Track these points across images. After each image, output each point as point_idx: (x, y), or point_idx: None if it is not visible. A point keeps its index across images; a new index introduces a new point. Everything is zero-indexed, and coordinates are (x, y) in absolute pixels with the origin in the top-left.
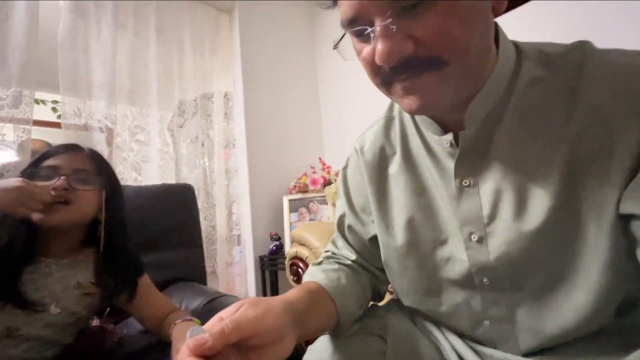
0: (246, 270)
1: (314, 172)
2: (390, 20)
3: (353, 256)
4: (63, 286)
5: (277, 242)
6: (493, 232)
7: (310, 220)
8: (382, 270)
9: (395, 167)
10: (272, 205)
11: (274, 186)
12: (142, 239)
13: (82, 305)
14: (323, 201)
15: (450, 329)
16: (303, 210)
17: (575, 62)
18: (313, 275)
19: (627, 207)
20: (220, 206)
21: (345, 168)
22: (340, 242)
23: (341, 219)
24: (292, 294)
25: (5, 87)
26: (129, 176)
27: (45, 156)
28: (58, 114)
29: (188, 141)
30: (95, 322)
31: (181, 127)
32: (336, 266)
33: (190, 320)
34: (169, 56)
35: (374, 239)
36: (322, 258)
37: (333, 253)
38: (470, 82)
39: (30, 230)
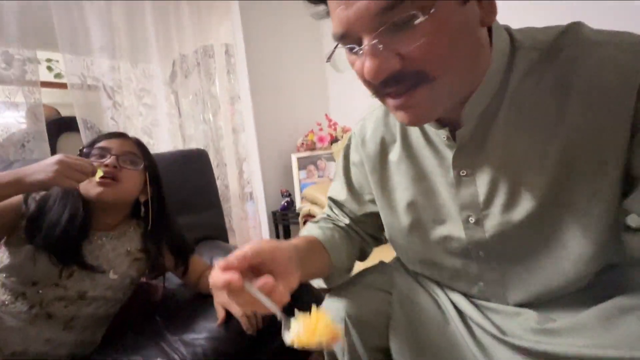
0: (260, 225)
1: (321, 129)
2: (376, 40)
3: (347, 220)
4: (116, 254)
5: (288, 199)
6: (489, 215)
7: (318, 177)
8: (372, 237)
9: (395, 155)
10: (281, 163)
11: (281, 144)
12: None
13: (133, 270)
14: (331, 158)
15: (449, 288)
16: (311, 167)
17: (568, 54)
18: (310, 231)
19: (629, 205)
20: (231, 165)
21: (347, 147)
22: (337, 210)
23: (338, 195)
24: (294, 241)
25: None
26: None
27: (98, 139)
28: (54, 72)
29: (190, 98)
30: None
31: (182, 82)
32: (331, 225)
33: None
34: (164, 8)
35: (369, 214)
36: (319, 218)
37: (329, 216)
38: (461, 89)
39: (85, 207)
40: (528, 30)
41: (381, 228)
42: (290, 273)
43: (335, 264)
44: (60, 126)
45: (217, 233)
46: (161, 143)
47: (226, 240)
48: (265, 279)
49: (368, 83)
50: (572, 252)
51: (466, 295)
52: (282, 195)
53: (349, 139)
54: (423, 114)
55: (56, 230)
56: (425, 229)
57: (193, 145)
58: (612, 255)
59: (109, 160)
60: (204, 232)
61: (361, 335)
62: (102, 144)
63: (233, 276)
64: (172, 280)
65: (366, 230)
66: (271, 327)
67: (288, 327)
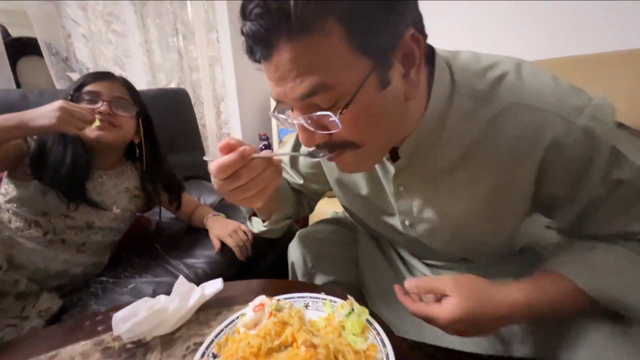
0: None
1: None
2: (303, 118)
3: (301, 181)
4: (116, 191)
5: (266, 142)
6: (420, 222)
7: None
8: (314, 201)
9: None
10: (259, 105)
11: (261, 86)
12: None
13: (132, 205)
14: None
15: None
16: (290, 113)
17: (499, 107)
18: None
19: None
20: (209, 104)
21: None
22: (290, 171)
23: (294, 162)
24: None
25: None
26: (112, 71)
27: (85, 82)
28: None
29: (157, 21)
30: None
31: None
32: (287, 184)
33: (218, 215)
34: None
35: (315, 191)
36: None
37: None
38: (389, 145)
39: (86, 149)
40: (467, 72)
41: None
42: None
43: (279, 208)
44: (16, 48)
45: (200, 173)
46: (134, 76)
47: (208, 180)
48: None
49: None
50: (497, 244)
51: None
52: (260, 139)
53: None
54: (354, 168)
55: (62, 171)
56: (376, 216)
57: (161, 77)
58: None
59: (102, 107)
60: (187, 172)
61: (330, 272)
62: (90, 87)
63: (247, 148)
64: (165, 214)
65: (317, 191)
66: (259, 255)
67: None
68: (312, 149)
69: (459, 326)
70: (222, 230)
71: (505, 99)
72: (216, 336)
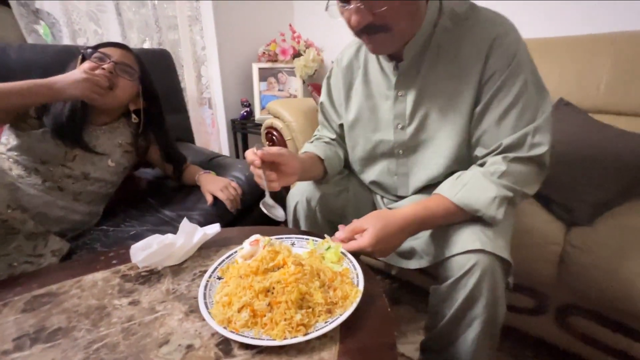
0: (219, 131)
1: (284, 40)
2: (360, 3)
3: (333, 135)
4: (110, 144)
5: (248, 109)
6: (411, 123)
7: (279, 90)
8: None
9: (358, 80)
10: (241, 71)
11: (242, 52)
12: None
13: (125, 159)
14: (292, 73)
15: (377, 190)
16: (272, 80)
17: (468, 24)
18: (309, 149)
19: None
20: (189, 67)
21: (329, 77)
22: (323, 130)
23: (322, 106)
24: (303, 155)
25: None
26: (87, 27)
27: (102, 45)
28: None
29: None
30: None
31: None
32: (323, 144)
33: (209, 172)
34: None
35: (342, 125)
36: (313, 139)
37: (319, 136)
38: (405, 37)
39: (79, 102)
40: (449, 2)
41: None
42: (291, 176)
43: (330, 171)
44: None
45: (184, 135)
46: (111, 34)
47: (193, 142)
48: (271, 174)
49: (351, 27)
50: (443, 149)
51: (384, 197)
52: (242, 105)
53: (331, 69)
54: (383, 48)
55: (62, 117)
56: (367, 135)
57: (133, 34)
58: (459, 165)
59: (107, 65)
60: (172, 134)
61: (321, 209)
62: (104, 49)
63: (256, 159)
64: (150, 173)
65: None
66: (246, 210)
67: (267, 203)
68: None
69: (379, 246)
70: (213, 185)
71: (475, 17)
72: (220, 264)
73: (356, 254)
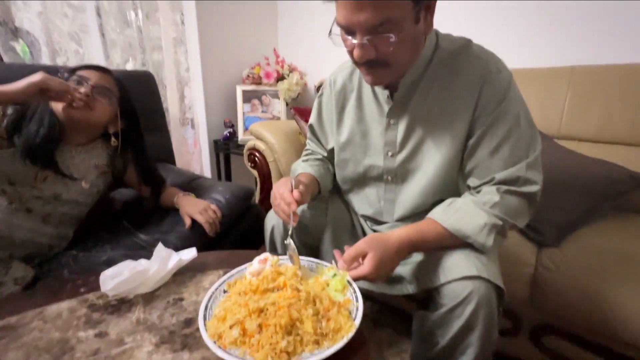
0: (201, 151)
1: (268, 64)
2: (366, 39)
3: (325, 153)
4: (85, 166)
5: (231, 129)
6: (401, 151)
7: (262, 112)
8: None
9: (351, 103)
10: (225, 93)
11: (227, 74)
12: None
13: (100, 181)
14: (275, 95)
15: (361, 214)
16: (256, 101)
17: (462, 60)
18: (305, 169)
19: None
20: (172, 88)
21: (321, 95)
22: (313, 145)
23: (312, 127)
24: (306, 179)
25: None
26: (68, 47)
27: (81, 67)
28: None
29: None
30: None
31: None
32: (317, 162)
33: (188, 194)
34: None
35: (333, 149)
36: (306, 156)
37: (312, 151)
38: (404, 70)
39: (59, 123)
40: (446, 37)
41: None
42: (304, 202)
43: (323, 190)
44: None
45: (165, 156)
46: (93, 53)
47: (173, 163)
48: (296, 216)
49: (352, 58)
50: (431, 179)
51: (368, 219)
52: (225, 125)
53: (323, 88)
54: (380, 80)
55: (37, 137)
56: (357, 158)
57: (116, 53)
58: (444, 195)
59: (84, 89)
60: (152, 154)
61: (298, 233)
62: (83, 72)
63: (294, 204)
64: (127, 193)
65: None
66: (224, 233)
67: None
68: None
69: (380, 272)
70: (192, 208)
71: (467, 53)
72: (228, 278)
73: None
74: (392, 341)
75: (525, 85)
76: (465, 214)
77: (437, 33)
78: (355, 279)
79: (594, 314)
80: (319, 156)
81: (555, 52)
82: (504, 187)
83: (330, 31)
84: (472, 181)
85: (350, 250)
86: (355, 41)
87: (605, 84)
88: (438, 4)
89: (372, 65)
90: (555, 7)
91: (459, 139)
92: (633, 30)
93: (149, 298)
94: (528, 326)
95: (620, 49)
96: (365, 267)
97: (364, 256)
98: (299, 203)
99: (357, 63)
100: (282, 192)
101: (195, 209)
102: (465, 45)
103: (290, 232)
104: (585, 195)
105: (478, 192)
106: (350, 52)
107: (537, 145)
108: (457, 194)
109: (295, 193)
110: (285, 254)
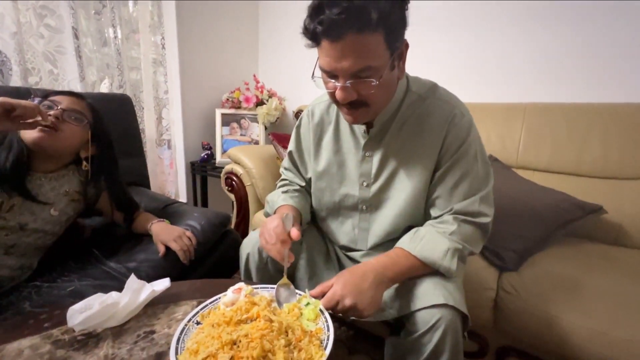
0: (177, 173)
1: (247, 89)
2: (348, 82)
3: (303, 183)
4: (55, 194)
5: (209, 151)
6: (376, 182)
7: (241, 135)
8: None
9: (328, 136)
10: (204, 114)
11: (206, 98)
12: None
13: (70, 209)
14: (254, 120)
15: (335, 241)
16: (234, 125)
17: (428, 103)
18: (287, 201)
19: (431, 196)
20: (149, 109)
21: (298, 126)
22: (291, 174)
23: (291, 155)
24: (292, 213)
25: None
26: (42, 67)
27: (53, 93)
28: None
29: (92, 12)
30: None
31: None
32: (296, 193)
33: (163, 221)
34: None
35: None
36: (285, 186)
37: (290, 181)
38: (381, 110)
39: (27, 150)
40: (415, 80)
41: None
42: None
43: (303, 223)
44: None
45: (139, 180)
46: (68, 72)
47: (148, 187)
48: (290, 255)
49: (333, 98)
50: (402, 207)
51: (343, 247)
52: (203, 148)
53: (301, 119)
54: (359, 120)
55: (5, 164)
56: (333, 188)
57: (91, 72)
58: (413, 222)
59: (53, 112)
60: (127, 178)
61: (273, 260)
62: (54, 97)
63: (288, 243)
64: (97, 220)
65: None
66: (198, 260)
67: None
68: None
69: (347, 289)
70: (167, 235)
71: (435, 97)
72: (201, 309)
73: (342, 313)
74: None
75: (486, 118)
76: (429, 241)
77: (407, 77)
78: (328, 306)
79: (549, 338)
80: (297, 187)
81: (512, 89)
82: (461, 217)
83: (312, 74)
84: (434, 211)
85: (321, 285)
86: (338, 84)
87: (555, 120)
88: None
89: (353, 105)
90: (512, 48)
91: (427, 172)
92: (581, 71)
93: (118, 332)
94: (493, 348)
95: (569, 89)
96: (333, 287)
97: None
98: (293, 241)
99: (337, 103)
100: (277, 231)
101: (170, 237)
102: (432, 89)
103: (285, 273)
104: (539, 223)
105: (439, 221)
106: (332, 94)
107: (490, 181)
108: (424, 220)
109: (294, 232)
110: (260, 282)
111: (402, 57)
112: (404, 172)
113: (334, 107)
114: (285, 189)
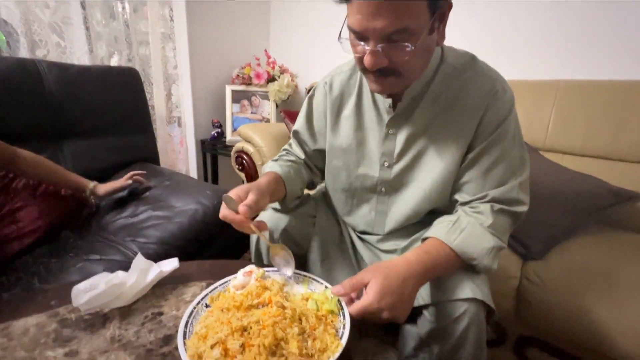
0: (187, 151)
1: (259, 65)
2: (379, 46)
3: (302, 156)
4: None
5: (219, 129)
6: (398, 162)
7: (252, 113)
8: (321, 171)
9: (348, 110)
10: (214, 92)
11: (216, 73)
12: (98, 124)
13: None
14: (265, 97)
15: (350, 223)
16: (245, 102)
17: (466, 76)
18: (273, 167)
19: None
20: (159, 85)
21: (311, 97)
22: (295, 147)
23: (297, 133)
24: (265, 179)
25: None
26: (49, 40)
27: None
28: None
29: None
30: None
31: None
32: (289, 162)
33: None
34: None
35: (320, 150)
36: (280, 154)
37: (288, 151)
38: (412, 82)
39: None
40: (451, 50)
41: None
42: (263, 207)
43: (289, 194)
44: None
45: (149, 156)
46: (76, 47)
47: (157, 163)
48: (260, 223)
49: (361, 64)
50: (426, 191)
51: (358, 231)
52: (214, 125)
53: (314, 90)
54: (387, 90)
55: None
56: (350, 168)
57: (101, 47)
58: (436, 207)
59: None
60: (135, 154)
61: (284, 241)
62: None
63: (246, 222)
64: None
65: (316, 164)
66: (209, 239)
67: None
68: None
69: (386, 300)
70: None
71: (474, 70)
72: (211, 291)
73: (366, 320)
74: (377, 351)
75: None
76: (471, 234)
77: (442, 46)
78: (358, 316)
79: (577, 330)
80: (293, 158)
81: (543, 65)
82: (497, 206)
83: (339, 35)
84: (461, 196)
85: (348, 280)
86: (367, 48)
87: (590, 99)
88: None
89: (382, 73)
90: (545, 21)
91: (459, 153)
92: (618, 48)
93: (125, 312)
94: (512, 338)
95: (605, 66)
96: (366, 298)
97: (364, 285)
98: (253, 213)
99: (364, 70)
100: (226, 216)
101: (119, 182)
102: (471, 62)
103: (267, 241)
104: (568, 210)
105: (475, 211)
106: (360, 59)
107: (527, 166)
108: (449, 205)
109: (242, 209)
110: (270, 265)
111: (443, 19)
112: (433, 152)
113: (356, 79)
114: (277, 157)
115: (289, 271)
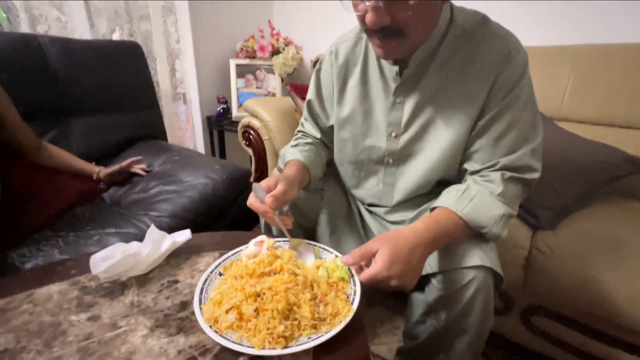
0: (194, 127)
1: (262, 37)
2: (381, 2)
3: (318, 135)
4: None
5: (225, 105)
6: (406, 132)
7: (257, 88)
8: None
9: (354, 77)
10: (218, 67)
11: (220, 47)
12: (104, 100)
13: None
14: (270, 70)
15: (357, 196)
16: (250, 77)
17: (477, 38)
18: (295, 155)
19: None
20: (162, 61)
21: (319, 70)
22: (308, 125)
23: (310, 104)
24: (293, 171)
25: None
26: (49, 15)
27: None
28: None
29: None
30: None
31: None
32: (307, 147)
33: None
34: None
35: (332, 126)
36: (296, 139)
37: (303, 133)
38: (418, 44)
39: None
40: (461, 10)
41: None
42: (291, 198)
43: (313, 179)
44: None
45: (155, 132)
46: (76, 21)
47: (165, 139)
48: (285, 218)
49: (363, 24)
50: (434, 161)
51: (366, 204)
52: (219, 101)
53: (321, 62)
54: (393, 54)
55: None
56: (357, 139)
57: (102, 22)
58: (444, 177)
59: None
60: (142, 131)
61: (293, 214)
62: None
63: (269, 211)
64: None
65: (332, 141)
66: (219, 212)
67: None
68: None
69: (396, 269)
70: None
71: (485, 31)
72: (224, 260)
73: (376, 288)
74: (384, 318)
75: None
76: (480, 202)
77: (451, 5)
78: (368, 283)
79: (586, 298)
80: (310, 140)
81: (559, 30)
82: (508, 174)
83: None
84: (470, 165)
85: (357, 249)
86: (368, 4)
87: (609, 64)
88: None
89: (385, 34)
90: None
91: (469, 120)
92: (639, 8)
93: (142, 280)
94: (519, 307)
95: (626, 28)
96: (375, 266)
97: (373, 254)
98: (280, 204)
99: (368, 31)
100: (252, 204)
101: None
102: (481, 22)
103: (288, 236)
104: (581, 179)
105: (485, 179)
106: (362, 18)
107: (540, 131)
108: (458, 175)
109: (268, 199)
110: (281, 236)
111: None
112: (442, 120)
113: (362, 46)
114: (295, 142)
115: (309, 257)
